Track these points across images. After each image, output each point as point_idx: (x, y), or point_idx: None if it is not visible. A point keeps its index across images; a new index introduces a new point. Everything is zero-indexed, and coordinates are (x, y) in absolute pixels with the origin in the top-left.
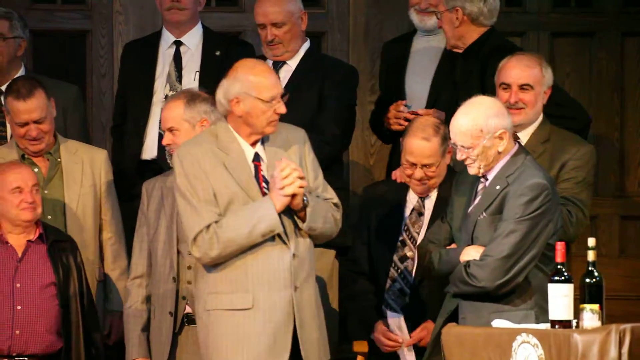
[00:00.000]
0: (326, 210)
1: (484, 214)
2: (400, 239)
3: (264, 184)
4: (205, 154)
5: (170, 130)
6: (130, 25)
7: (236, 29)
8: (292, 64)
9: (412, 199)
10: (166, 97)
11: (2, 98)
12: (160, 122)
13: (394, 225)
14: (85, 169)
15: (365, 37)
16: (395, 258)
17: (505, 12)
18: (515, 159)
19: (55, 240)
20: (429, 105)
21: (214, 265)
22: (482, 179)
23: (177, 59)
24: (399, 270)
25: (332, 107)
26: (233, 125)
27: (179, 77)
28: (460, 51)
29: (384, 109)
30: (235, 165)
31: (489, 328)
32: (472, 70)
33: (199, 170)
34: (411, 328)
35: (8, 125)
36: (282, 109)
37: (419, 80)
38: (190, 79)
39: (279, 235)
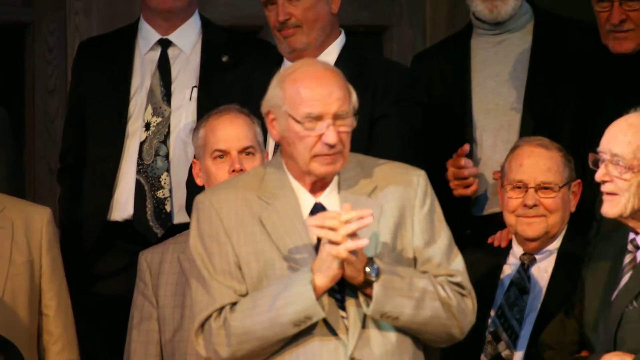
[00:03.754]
0: (424, 291)
1: (635, 303)
2: (491, 329)
3: None
4: (235, 204)
5: (244, 152)
6: (93, 16)
7: (253, 21)
8: None
9: (511, 267)
10: (147, 125)
11: None
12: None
13: (482, 308)
14: (18, 236)
15: (447, 32)
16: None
17: None
18: None
19: None
20: (524, 131)
21: None
22: (630, 248)
23: (164, 67)
24: None
25: (393, 134)
26: (285, 160)
27: (167, 95)
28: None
29: (440, 154)
30: (277, 222)
31: None
32: None
33: (219, 228)
34: None
35: None
36: (331, 138)
37: (499, 101)
38: (184, 98)
39: (327, 325)
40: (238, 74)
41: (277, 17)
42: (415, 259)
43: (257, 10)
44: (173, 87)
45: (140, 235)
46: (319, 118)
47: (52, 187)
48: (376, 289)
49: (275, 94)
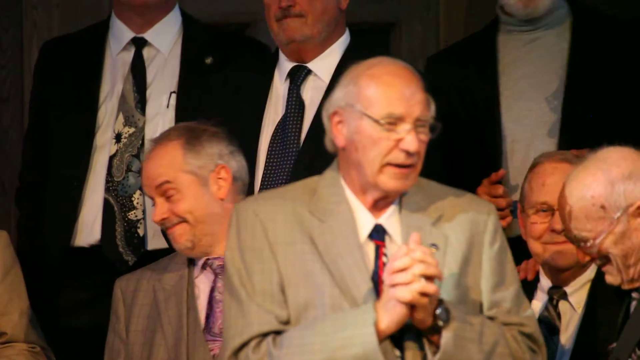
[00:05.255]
0: (495, 342)
1: (634, 355)
2: None
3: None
4: (283, 217)
5: (163, 191)
6: (54, 11)
7: (239, 18)
8: (323, 72)
9: (539, 302)
10: (118, 136)
11: None
12: (141, 180)
13: None
14: None
15: (464, 30)
16: None
17: None
18: None
19: None
20: (563, 142)
21: None
22: (635, 295)
23: (138, 69)
24: None
25: None
26: (344, 170)
27: (141, 102)
28: None
29: (464, 171)
30: (331, 242)
31: None
32: None
33: (262, 242)
34: None
35: None
36: (412, 144)
37: (532, 107)
38: (161, 105)
39: None
40: (224, 77)
41: (280, 2)
42: (481, 302)
43: (243, 6)
44: (148, 92)
45: (109, 263)
46: (400, 120)
47: (7, 207)
48: (445, 337)
49: (347, 92)
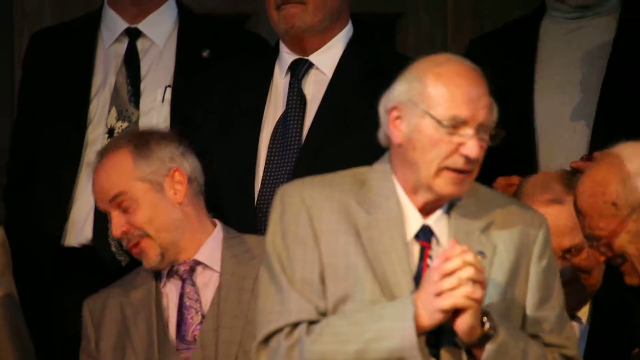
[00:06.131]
0: None
1: None
2: None
3: None
4: (330, 205)
5: (118, 203)
6: (45, 2)
7: (239, 7)
8: (325, 65)
9: None
10: (111, 131)
11: None
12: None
13: None
14: None
15: (474, 21)
16: None
17: None
18: None
19: None
20: (595, 146)
21: None
22: None
23: (132, 62)
24: None
25: None
26: (396, 166)
27: (135, 96)
28: None
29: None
30: (376, 237)
31: None
32: None
33: (307, 230)
34: None
35: None
36: (473, 150)
37: (566, 100)
38: (155, 99)
39: None
40: (221, 72)
41: None
42: (524, 317)
43: None
44: (142, 86)
45: (101, 264)
46: (463, 123)
47: None
48: (488, 351)
49: (410, 88)
